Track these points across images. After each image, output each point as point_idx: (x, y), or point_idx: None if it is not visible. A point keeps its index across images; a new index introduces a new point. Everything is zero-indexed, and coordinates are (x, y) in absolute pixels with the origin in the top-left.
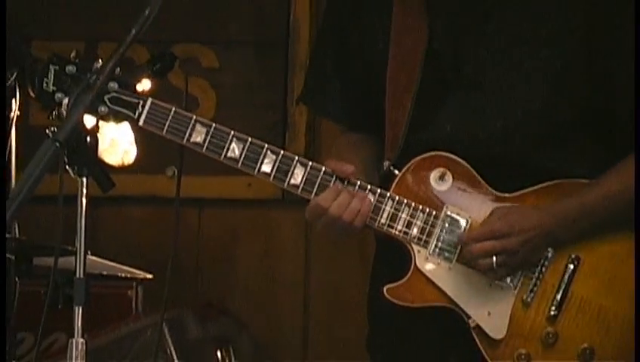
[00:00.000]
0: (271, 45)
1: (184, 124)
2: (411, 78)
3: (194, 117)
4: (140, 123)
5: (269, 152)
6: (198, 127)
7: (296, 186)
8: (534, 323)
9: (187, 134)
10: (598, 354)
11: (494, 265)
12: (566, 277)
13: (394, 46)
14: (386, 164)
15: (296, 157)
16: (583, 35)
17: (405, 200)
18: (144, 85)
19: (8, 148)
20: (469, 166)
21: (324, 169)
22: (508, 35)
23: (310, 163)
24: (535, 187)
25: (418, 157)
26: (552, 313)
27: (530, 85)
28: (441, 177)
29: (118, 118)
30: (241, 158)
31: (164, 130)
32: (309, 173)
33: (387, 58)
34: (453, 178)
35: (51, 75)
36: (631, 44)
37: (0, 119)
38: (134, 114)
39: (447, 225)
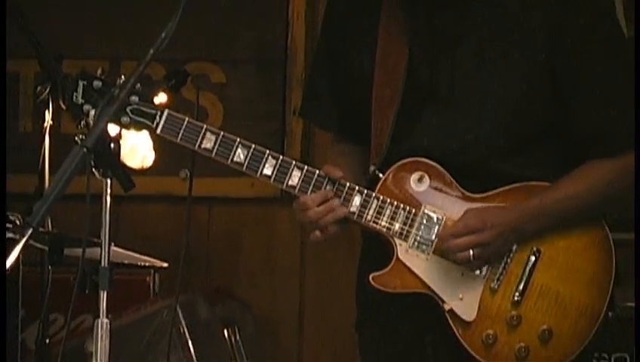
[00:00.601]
0: (271, 64)
1: (196, 132)
2: (394, 95)
3: (204, 126)
4: (158, 131)
5: (270, 157)
6: (208, 134)
7: (294, 187)
8: (500, 307)
9: (198, 141)
10: (556, 334)
11: (471, 257)
12: (528, 267)
13: (379, 67)
14: (372, 168)
15: (294, 162)
16: (543, 60)
17: (388, 200)
18: (161, 98)
19: (42, 153)
20: (443, 170)
21: (317, 172)
22: (476, 59)
23: (306, 167)
24: (501, 189)
25: (399, 162)
26: (516, 298)
27: (497, 103)
28: (420, 179)
29: (139, 126)
30: (246, 162)
31: (179, 138)
32: (304, 175)
33: (373, 77)
34: (429, 180)
35: (80, 90)
36: (585, 68)
37: (1, 119)
38: (152, 123)
39: (424, 221)
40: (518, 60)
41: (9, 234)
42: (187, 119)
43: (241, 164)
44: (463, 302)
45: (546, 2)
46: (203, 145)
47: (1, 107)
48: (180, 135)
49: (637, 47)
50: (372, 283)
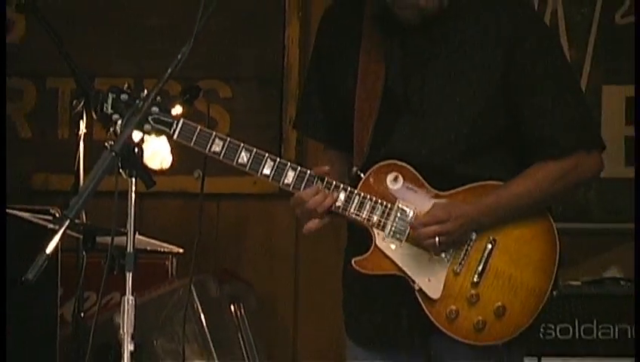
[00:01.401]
0: (270, 81)
1: (206, 138)
2: (372, 108)
3: (214, 133)
4: (174, 137)
5: (268, 159)
6: (217, 140)
7: (289, 185)
8: (462, 287)
9: (209, 146)
10: (508, 309)
11: (437, 243)
12: (485, 253)
13: (360, 84)
14: (355, 169)
15: (289, 163)
16: (499, 77)
17: (368, 196)
18: (177, 110)
19: (78, 156)
20: (415, 171)
21: (309, 172)
22: (442, 78)
23: (299, 167)
24: (464, 187)
25: (377, 165)
26: (475, 280)
27: (459, 114)
28: (395, 179)
29: (158, 133)
30: (248, 163)
31: (192, 143)
32: (298, 174)
33: (355, 93)
34: (403, 180)
35: (109, 102)
36: (534, 83)
37: (1, 120)
38: (170, 130)
39: (399, 214)
40: (477, 78)
41: (50, 225)
42: (199, 127)
43: (244, 165)
44: (430, 283)
45: (500, 29)
46: (212, 149)
47: (1, 108)
48: (193, 140)
49: (637, 49)
50: (354, 266)
